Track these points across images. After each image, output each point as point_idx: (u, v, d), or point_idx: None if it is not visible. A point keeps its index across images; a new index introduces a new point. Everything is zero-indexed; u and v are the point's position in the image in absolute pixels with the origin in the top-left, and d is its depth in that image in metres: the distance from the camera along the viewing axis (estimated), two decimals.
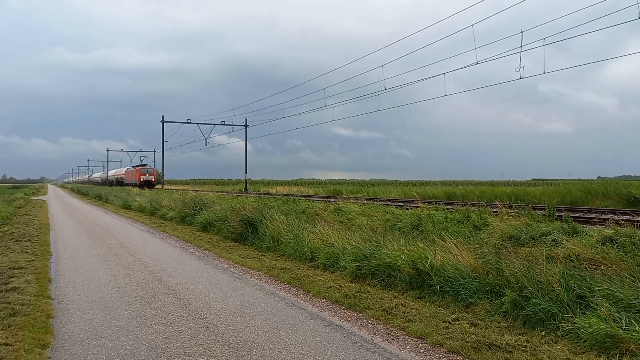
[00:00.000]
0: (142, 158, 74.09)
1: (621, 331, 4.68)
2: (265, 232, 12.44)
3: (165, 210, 22.36)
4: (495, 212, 11.14)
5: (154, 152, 78.46)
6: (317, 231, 10.87)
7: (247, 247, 12.74)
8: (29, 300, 7.03)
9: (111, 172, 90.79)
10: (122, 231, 17.37)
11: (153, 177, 65.03)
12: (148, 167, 67.99)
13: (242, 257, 11.03)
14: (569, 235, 7.96)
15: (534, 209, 11.03)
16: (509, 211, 10.74)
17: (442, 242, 8.10)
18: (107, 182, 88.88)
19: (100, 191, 51.03)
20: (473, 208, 11.81)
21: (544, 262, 6.27)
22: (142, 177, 64.86)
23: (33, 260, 10.56)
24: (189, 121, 45.59)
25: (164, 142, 48.13)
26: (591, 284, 5.59)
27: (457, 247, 7.54)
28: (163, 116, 45.42)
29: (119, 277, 8.96)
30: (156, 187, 59.66)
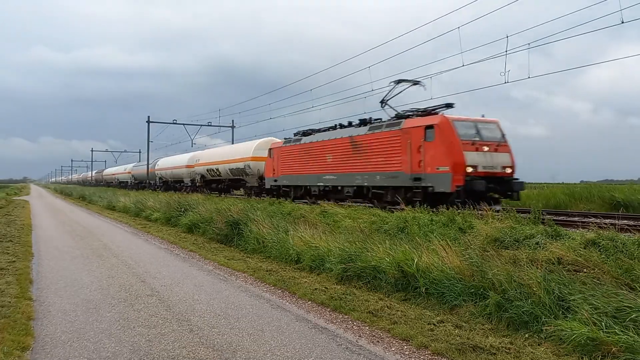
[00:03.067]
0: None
1: (602, 334, 4.73)
2: (251, 233, 12.38)
3: (150, 211, 22.15)
4: (480, 214, 11.20)
5: (139, 152, 76.19)
6: (303, 233, 10.84)
7: (232, 248, 12.67)
8: (9, 302, 6.91)
9: (180, 159, 42.12)
10: (105, 232, 17.17)
11: (509, 158, 15.34)
12: (489, 121, 15.89)
13: (228, 259, 10.96)
14: (552, 238, 8.04)
15: (519, 212, 11.12)
16: (495, 214, 10.82)
17: (428, 245, 8.13)
18: (157, 183, 47.52)
19: (83, 191, 50.42)
20: (458, 211, 11.86)
21: (525, 265, 6.32)
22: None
23: (14, 261, 10.38)
24: (175, 122, 45.12)
25: (149, 143, 47.35)
26: (571, 287, 5.64)
27: (443, 249, 7.57)
28: (149, 116, 44.83)
29: (102, 279, 8.84)
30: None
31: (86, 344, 5.34)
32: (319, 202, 19.48)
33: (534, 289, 5.71)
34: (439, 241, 8.00)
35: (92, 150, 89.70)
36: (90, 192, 47.08)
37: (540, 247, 7.59)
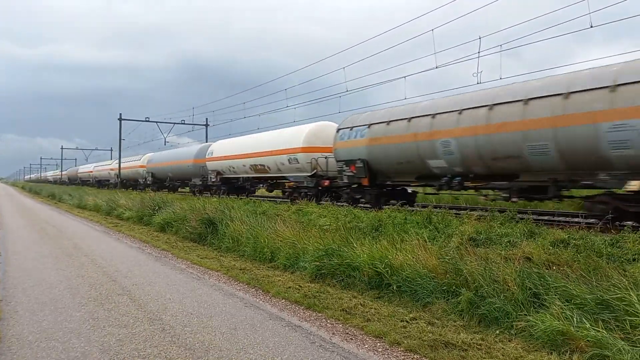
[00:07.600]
0: None
1: (572, 329, 4.82)
2: (225, 232, 12.28)
3: (122, 209, 21.78)
4: (457, 214, 11.36)
5: (111, 150, 74.58)
6: (278, 231, 10.80)
7: (206, 247, 12.54)
8: None
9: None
10: (76, 231, 16.82)
11: None
12: None
13: (201, 258, 10.85)
14: (525, 237, 8.19)
15: (498, 211, 11.28)
16: (472, 213, 10.98)
17: (401, 243, 8.18)
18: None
19: (53, 190, 49.29)
20: (436, 210, 11.98)
21: (502, 262, 6.41)
22: None
23: None
24: (147, 119, 44.26)
25: (121, 141, 46.34)
26: (547, 282, 5.73)
27: (416, 247, 7.62)
28: (120, 114, 44.09)
29: (72, 278, 8.66)
30: None
31: (54, 344, 5.22)
32: None
33: (509, 285, 5.79)
34: (413, 240, 8.06)
35: (62, 148, 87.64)
36: (60, 190, 46.04)
37: (512, 245, 7.71)
